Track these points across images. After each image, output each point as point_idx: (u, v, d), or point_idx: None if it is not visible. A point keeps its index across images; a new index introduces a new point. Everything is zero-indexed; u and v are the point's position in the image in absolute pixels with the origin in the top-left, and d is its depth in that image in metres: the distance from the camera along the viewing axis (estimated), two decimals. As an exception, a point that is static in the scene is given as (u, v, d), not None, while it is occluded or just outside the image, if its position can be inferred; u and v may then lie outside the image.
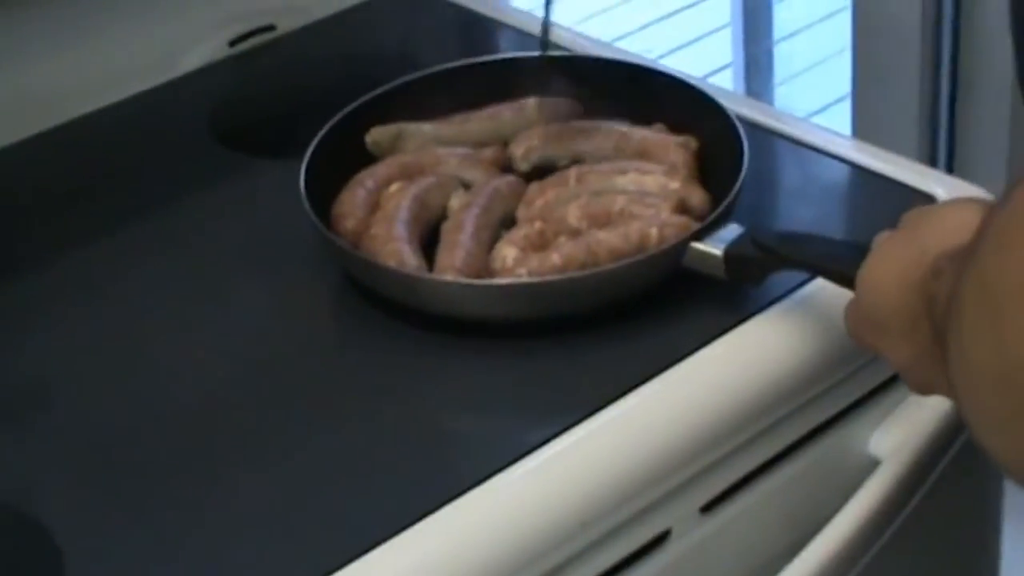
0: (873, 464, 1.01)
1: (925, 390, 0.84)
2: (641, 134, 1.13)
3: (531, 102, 1.18)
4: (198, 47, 1.41)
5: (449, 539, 0.88)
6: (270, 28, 1.44)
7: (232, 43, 1.42)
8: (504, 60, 1.26)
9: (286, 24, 1.45)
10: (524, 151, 1.14)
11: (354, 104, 1.17)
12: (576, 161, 1.13)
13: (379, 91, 1.18)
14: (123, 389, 1.02)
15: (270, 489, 0.92)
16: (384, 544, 0.86)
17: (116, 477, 0.95)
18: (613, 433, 0.94)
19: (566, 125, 1.15)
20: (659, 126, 1.14)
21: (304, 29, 1.45)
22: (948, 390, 0.77)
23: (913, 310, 0.79)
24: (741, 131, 1.09)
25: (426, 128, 1.16)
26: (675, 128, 1.14)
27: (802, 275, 1.00)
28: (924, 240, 0.81)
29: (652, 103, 1.16)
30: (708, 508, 0.97)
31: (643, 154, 1.11)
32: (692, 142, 1.11)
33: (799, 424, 1.01)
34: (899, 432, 1.02)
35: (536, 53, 1.21)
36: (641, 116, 1.15)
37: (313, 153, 1.11)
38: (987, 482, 1.15)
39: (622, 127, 1.14)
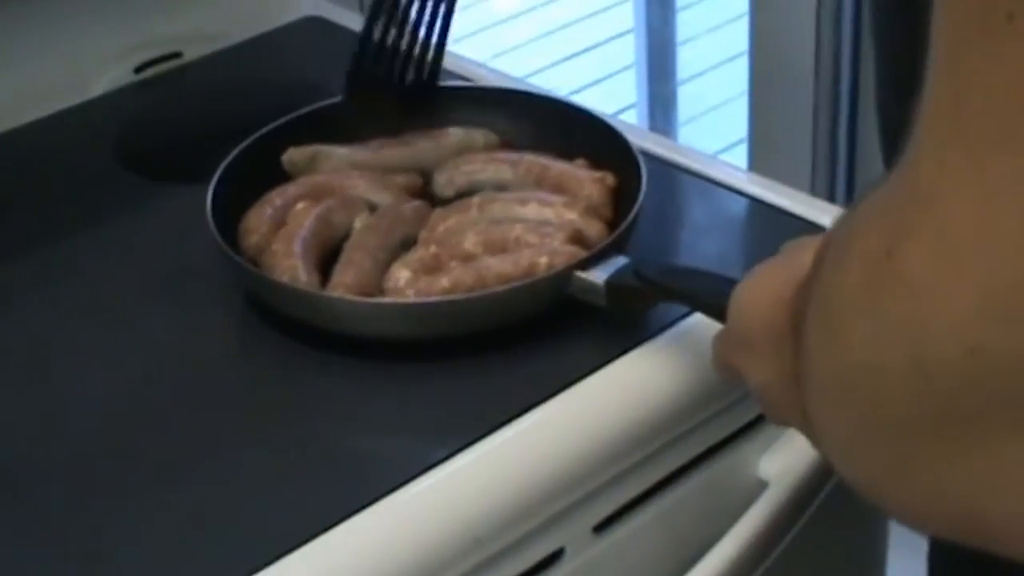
0: (762, 487, 1.04)
1: (779, 418, 0.85)
2: (561, 167, 1.15)
3: (450, 132, 1.20)
4: (104, 72, 1.41)
5: (345, 556, 0.89)
6: (177, 55, 1.45)
7: (138, 69, 1.43)
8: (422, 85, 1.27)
9: (193, 51, 1.45)
10: (447, 178, 1.15)
11: (267, 128, 1.18)
12: (500, 189, 1.15)
13: (293, 115, 1.20)
14: (24, 411, 1.02)
15: (170, 507, 0.93)
16: (276, 564, 0.87)
17: (19, 497, 0.95)
18: (507, 454, 0.95)
19: (491, 154, 1.17)
20: (580, 161, 1.16)
21: (211, 56, 1.45)
22: (800, 421, 0.80)
23: (781, 328, 0.79)
24: (642, 165, 1.11)
25: (342, 152, 1.18)
26: (590, 161, 1.16)
27: (685, 308, 1.02)
28: (799, 261, 0.80)
29: (562, 136, 1.18)
30: (600, 528, 0.99)
31: (560, 187, 1.13)
32: (610, 178, 1.13)
33: (688, 447, 1.03)
34: (787, 455, 1.05)
35: (451, 83, 1.23)
36: (554, 149, 1.18)
37: (223, 173, 1.12)
38: (871, 509, 1.17)
39: (544, 160, 1.16)
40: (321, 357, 1.03)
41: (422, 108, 1.22)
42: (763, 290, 0.84)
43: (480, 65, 1.42)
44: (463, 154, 1.18)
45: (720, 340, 0.90)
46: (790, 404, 0.79)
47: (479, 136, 1.20)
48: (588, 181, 1.13)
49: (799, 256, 0.82)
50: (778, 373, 0.80)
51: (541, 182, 1.14)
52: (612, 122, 1.19)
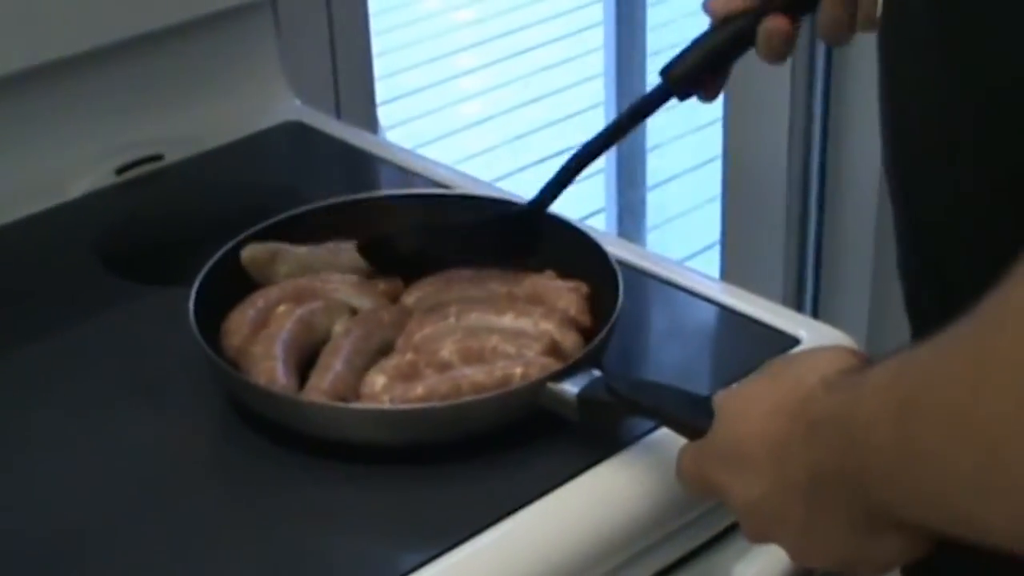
0: (737, 596, 1.05)
1: (763, 535, 0.85)
2: (532, 280, 1.16)
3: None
4: (85, 173, 1.43)
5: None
6: (158, 157, 1.46)
7: (120, 171, 1.44)
8: (390, 196, 1.30)
9: (174, 154, 1.47)
10: (416, 299, 1.16)
11: (252, 229, 1.19)
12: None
13: (274, 219, 1.22)
14: (5, 512, 1.02)
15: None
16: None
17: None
18: (476, 564, 0.96)
19: (457, 273, 1.18)
20: (549, 273, 1.17)
21: (192, 159, 1.47)
22: (797, 530, 0.81)
23: (784, 437, 0.80)
24: (619, 277, 1.13)
25: (300, 251, 1.19)
26: (560, 271, 1.18)
27: (653, 423, 1.03)
28: (796, 374, 0.83)
29: (534, 243, 1.20)
30: (574, 639, 0.99)
31: (535, 299, 1.14)
32: (583, 287, 1.15)
33: (659, 557, 1.04)
34: (761, 564, 1.05)
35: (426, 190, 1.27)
36: (523, 255, 1.19)
37: (207, 274, 1.13)
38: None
39: (513, 277, 1.17)
40: (297, 459, 1.04)
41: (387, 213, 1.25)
42: (757, 403, 0.84)
43: (450, 169, 1.44)
44: (426, 276, 1.18)
45: (694, 456, 0.91)
46: (784, 516, 0.81)
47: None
48: (564, 291, 1.14)
49: (795, 370, 0.84)
50: (775, 485, 0.81)
51: (512, 298, 1.15)
52: (589, 231, 1.21)
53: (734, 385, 0.93)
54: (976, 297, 0.65)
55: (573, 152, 1.16)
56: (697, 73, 1.12)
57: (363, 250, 1.18)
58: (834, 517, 0.78)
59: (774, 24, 1.10)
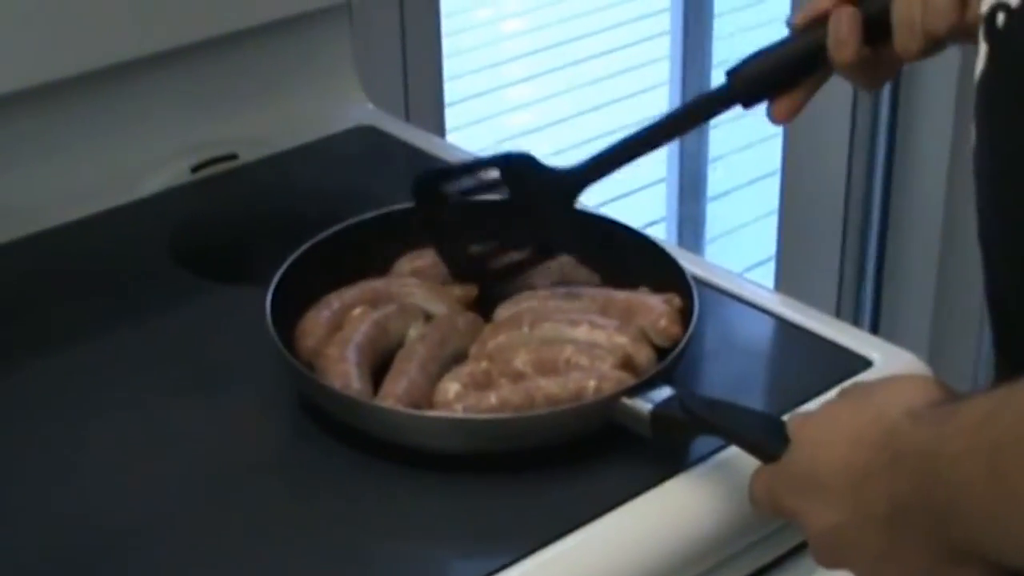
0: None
1: (837, 563, 0.85)
2: (626, 295, 1.16)
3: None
4: (161, 171, 1.44)
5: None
6: (232, 157, 1.48)
7: (194, 169, 1.46)
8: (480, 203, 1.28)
9: (248, 154, 1.49)
10: (510, 314, 1.15)
11: (327, 232, 1.20)
12: None
13: (355, 220, 1.23)
14: (70, 507, 1.04)
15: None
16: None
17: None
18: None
19: (553, 291, 1.17)
20: (644, 289, 1.17)
21: (265, 159, 1.49)
22: (871, 561, 0.81)
23: (865, 466, 0.80)
24: (695, 292, 1.13)
25: None
26: (634, 283, 1.18)
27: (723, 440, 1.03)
28: (879, 403, 0.83)
29: (614, 258, 1.20)
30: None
31: (629, 312, 1.14)
32: (675, 299, 1.14)
33: (728, 574, 1.04)
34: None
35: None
36: (605, 270, 1.20)
37: (284, 273, 1.14)
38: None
39: (606, 292, 1.17)
40: (367, 463, 1.05)
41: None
42: (837, 431, 0.84)
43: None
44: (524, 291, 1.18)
45: (768, 480, 0.91)
46: (861, 545, 0.81)
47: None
48: (658, 304, 1.14)
49: (876, 400, 0.84)
50: (854, 514, 0.81)
51: (607, 310, 1.15)
52: (666, 247, 1.21)
53: (810, 407, 0.93)
54: None
55: (622, 137, 1.13)
56: (764, 78, 1.09)
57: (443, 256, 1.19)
58: (913, 548, 0.78)
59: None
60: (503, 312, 1.16)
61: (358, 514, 1.02)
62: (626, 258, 1.21)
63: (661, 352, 1.10)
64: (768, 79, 1.09)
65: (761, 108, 1.11)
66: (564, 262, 1.21)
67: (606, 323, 1.12)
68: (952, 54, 1.50)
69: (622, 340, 1.10)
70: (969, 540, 0.74)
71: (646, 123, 1.13)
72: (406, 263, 1.21)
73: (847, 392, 0.89)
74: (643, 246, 1.21)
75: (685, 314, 1.13)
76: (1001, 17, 0.83)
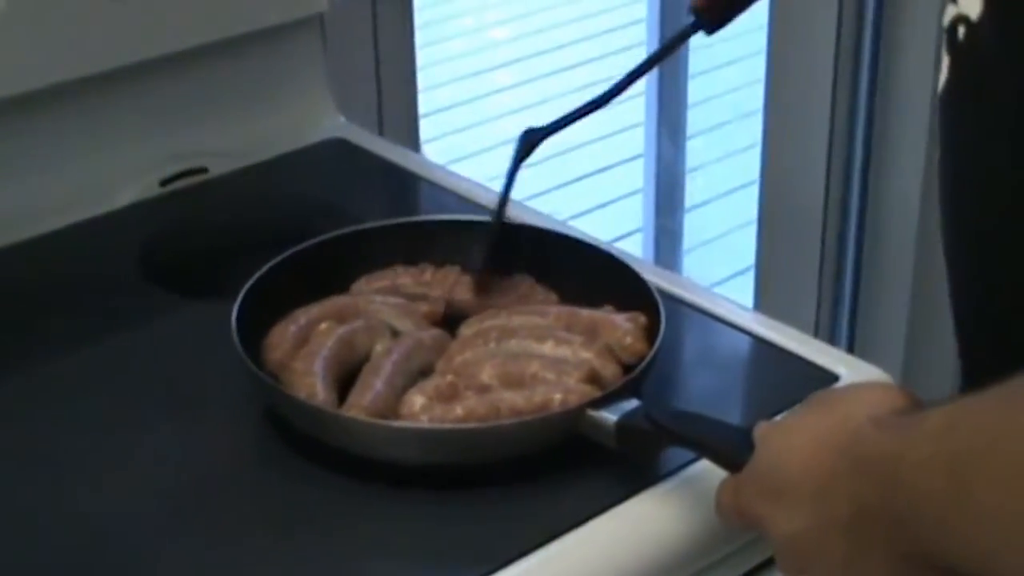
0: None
1: (800, 570, 0.85)
2: (590, 314, 1.16)
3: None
4: (131, 184, 1.44)
5: None
6: (202, 170, 1.47)
7: (164, 182, 1.46)
8: (448, 221, 1.30)
9: (218, 167, 1.48)
10: (474, 331, 1.16)
11: (296, 248, 1.20)
12: None
13: (321, 238, 1.23)
14: (38, 523, 1.03)
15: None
16: None
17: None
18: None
19: (517, 309, 1.18)
20: (608, 307, 1.17)
21: (236, 173, 1.48)
22: (836, 566, 0.81)
23: (829, 471, 0.80)
24: (661, 309, 1.13)
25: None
26: (600, 300, 1.18)
27: (691, 454, 1.03)
28: (844, 410, 0.83)
29: (579, 275, 1.20)
30: (606, 667, 0.99)
31: (594, 330, 1.14)
32: (640, 317, 1.15)
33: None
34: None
35: (478, 217, 1.28)
36: (570, 287, 1.20)
37: (250, 288, 1.14)
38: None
39: (572, 309, 1.18)
40: (333, 478, 1.05)
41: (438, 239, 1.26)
42: (802, 436, 0.84)
43: (491, 191, 1.44)
44: (487, 310, 1.18)
45: (734, 488, 0.90)
46: (824, 551, 0.81)
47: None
48: (622, 322, 1.14)
49: (843, 405, 0.84)
50: (818, 519, 0.81)
51: (571, 328, 1.15)
52: (628, 260, 1.21)
53: (776, 418, 0.93)
54: None
55: (597, 95, 1.20)
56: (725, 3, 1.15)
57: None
58: (874, 555, 0.78)
59: None
60: (467, 330, 1.16)
61: (324, 529, 1.02)
62: (590, 276, 1.21)
63: (628, 368, 1.10)
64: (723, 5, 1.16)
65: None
66: (523, 282, 1.21)
67: (572, 338, 1.12)
68: (929, 66, 1.52)
69: (587, 355, 1.10)
70: (928, 547, 0.74)
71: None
72: (364, 284, 1.21)
73: (813, 399, 0.89)
74: (606, 262, 1.22)
75: (651, 332, 1.13)
76: (962, 30, 0.83)
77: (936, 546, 0.74)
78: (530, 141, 1.19)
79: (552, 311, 1.17)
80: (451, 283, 1.21)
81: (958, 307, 0.90)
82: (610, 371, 1.09)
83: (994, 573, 0.70)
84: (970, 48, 0.83)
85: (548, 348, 1.11)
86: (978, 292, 0.87)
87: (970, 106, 0.84)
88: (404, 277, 1.22)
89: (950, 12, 0.84)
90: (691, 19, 1.18)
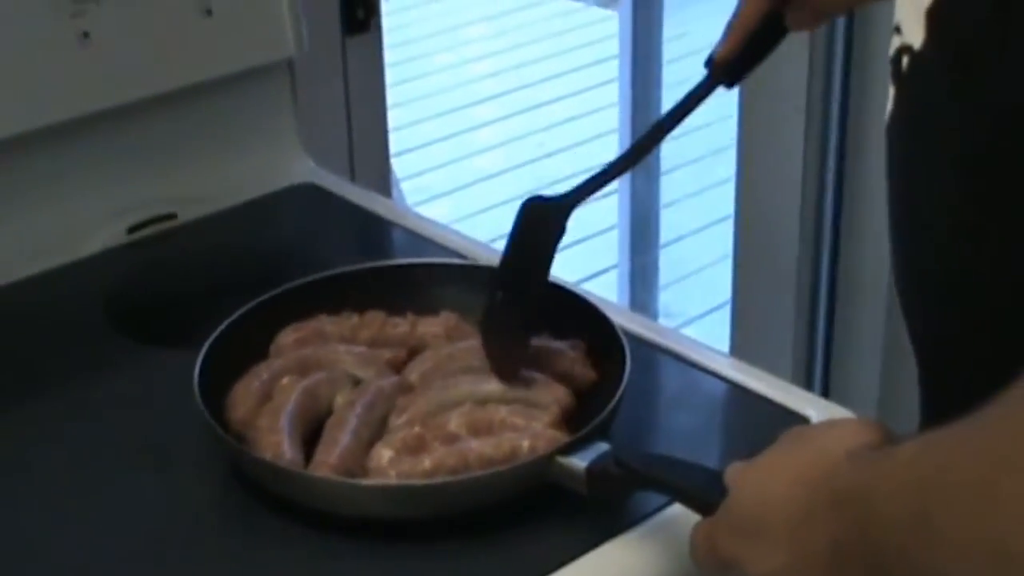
0: None
1: None
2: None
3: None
4: (97, 232, 1.43)
5: None
6: (171, 216, 1.47)
7: (131, 229, 1.45)
8: (406, 265, 1.29)
9: (187, 213, 1.48)
10: (419, 375, 1.15)
11: (255, 301, 1.20)
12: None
13: (281, 289, 1.22)
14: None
15: None
16: None
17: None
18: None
19: (455, 348, 1.17)
20: (545, 335, 1.17)
21: (205, 219, 1.48)
22: None
23: (805, 507, 0.79)
24: (626, 349, 1.13)
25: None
26: (560, 335, 1.18)
27: (665, 498, 1.02)
28: (819, 446, 0.82)
29: (545, 316, 1.18)
30: None
31: (539, 362, 1.14)
32: (580, 344, 1.16)
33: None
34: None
35: (440, 260, 1.28)
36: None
37: (210, 346, 1.13)
38: None
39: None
40: (302, 533, 1.03)
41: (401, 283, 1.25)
42: (776, 474, 0.83)
43: (462, 236, 1.44)
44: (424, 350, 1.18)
45: (707, 531, 0.89)
46: None
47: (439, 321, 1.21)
48: (566, 349, 1.15)
49: (818, 441, 0.83)
50: (795, 556, 0.80)
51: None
52: (595, 301, 1.21)
53: (748, 460, 0.92)
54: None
55: (619, 155, 1.16)
56: (739, 58, 1.12)
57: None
58: None
59: None
60: (411, 374, 1.15)
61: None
62: (554, 314, 1.19)
63: (595, 407, 1.09)
64: (741, 58, 1.13)
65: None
66: (448, 318, 1.20)
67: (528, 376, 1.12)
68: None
69: (550, 396, 1.10)
70: None
71: (640, 135, 1.16)
72: (289, 334, 1.19)
73: (786, 437, 0.88)
74: (568, 300, 1.21)
75: (598, 364, 1.14)
76: (906, 60, 0.83)
77: None
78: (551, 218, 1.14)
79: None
80: (376, 328, 1.20)
81: (914, 337, 0.90)
82: (566, 400, 1.10)
83: None
84: (914, 78, 0.83)
85: (495, 387, 1.11)
86: (934, 325, 0.87)
87: (915, 136, 0.84)
88: (328, 325, 1.20)
89: (895, 42, 0.84)
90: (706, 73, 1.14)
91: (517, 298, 1.13)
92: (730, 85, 1.13)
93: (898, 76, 0.84)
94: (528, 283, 1.13)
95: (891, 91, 0.85)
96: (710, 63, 1.12)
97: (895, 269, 0.89)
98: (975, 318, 0.83)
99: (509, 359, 1.13)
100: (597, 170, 1.14)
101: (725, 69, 1.12)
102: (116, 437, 1.16)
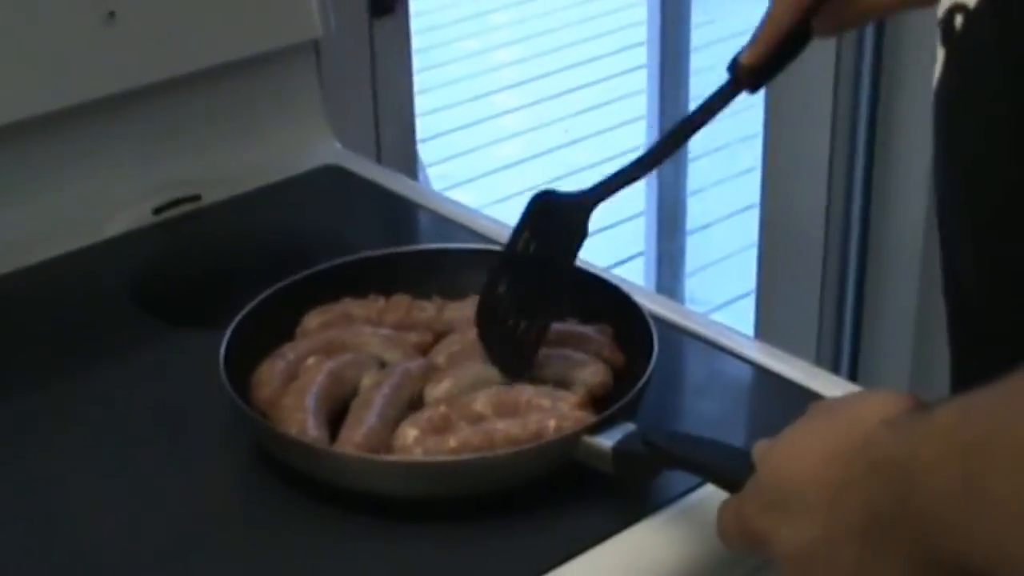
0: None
1: None
2: (558, 328, 1.15)
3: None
4: (122, 213, 1.43)
5: None
6: (195, 198, 1.46)
7: (157, 211, 1.44)
8: (433, 250, 1.29)
9: (212, 195, 1.47)
10: (446, 359, 1.14)
11: (283, 283, 1.19)
12: None
13: (309, 271, 1.21)
14: (25, 557, 1.02)
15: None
16: None
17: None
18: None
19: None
20: (572, 321, 1.17)
21: (230, 200, 1.47)
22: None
23: (840, 480, 0.77)
24: (654, 333, 1.12)
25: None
26: (587, 320, 1.17)
27: (692, 480, 1.01)
28: (851, 416, 0.80)
29: (575, 301, 1.18)
30: None
31: (562, 344, 1.14)
32: (607, 328, 1.15)
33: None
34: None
35: (468, 245, 1.28)
36: (567, 315, 1.18)
37: (237, 325, 1.13)
38: None
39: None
40: (326, 511, 1.03)
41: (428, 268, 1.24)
42: (808, 447, 0.81)
43: (489, 218, 1.44)
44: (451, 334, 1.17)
45: (736, 507, 0.87)
46: (834, 562, 0.78)
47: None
48: (593, 334, 1.15)
49: (849, 412, 0.81)
50: (828, 529, 0.78)
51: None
52: (622, 285, 1.20)
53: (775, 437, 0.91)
54: None
55: (638, 156, 1.13)
56: (764, 64, 1.10)
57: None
58: (889, 563, 0.75)
59: None
60: (438, 357, 1.14)
61: (315, 563, 1.00)
62: (580, 299, 1.18)
63: (622, 391, 1.09)
64: (767, 63, 1.11)
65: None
66: (475, 303, 1.17)
67: (558, 353, 1.11)
68: (928, 92, 1.46)
69: (581, 375, 1.10)
70: (947, 550, 0.71)
71: (660, 136, 1.16)
72: (316, 317, 1.18)
73: (814, 410, 0.85)
74: (596, 285, 1.20)
75: (625, 348, 1.13)
76: (959, 20, 0.80)
77: (955, 548, 0.71)
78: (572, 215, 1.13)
79: None
80: (403, 311, 1.19)
81: (956, 305, 0.88)
82: (601, 378, 1.10)
83: (1009, 569, 0.67)
84: (967, 38, 0.80)
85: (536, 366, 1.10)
86: (985, 288, 0.85)
87: (966, 101, 0.81)
88: (355, 308, 1.19)
89: (945, 2, 0.82)
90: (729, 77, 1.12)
91: (525, 292, 1.11)
92: (753, 90, 1.12)
93: (949, 38, 0.81)
94: (541, 279, 1.12)
95: (940, 54, 0.82)
96: (734, 67, 1.10)
97: (943, 238, 0.87)
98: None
99: (511, 351, 1.12)
100: (616, 170, 1.12)
101: (750, 74, 1.10)
102: (141, 416, 1.16)
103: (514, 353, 1.12)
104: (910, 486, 0.72)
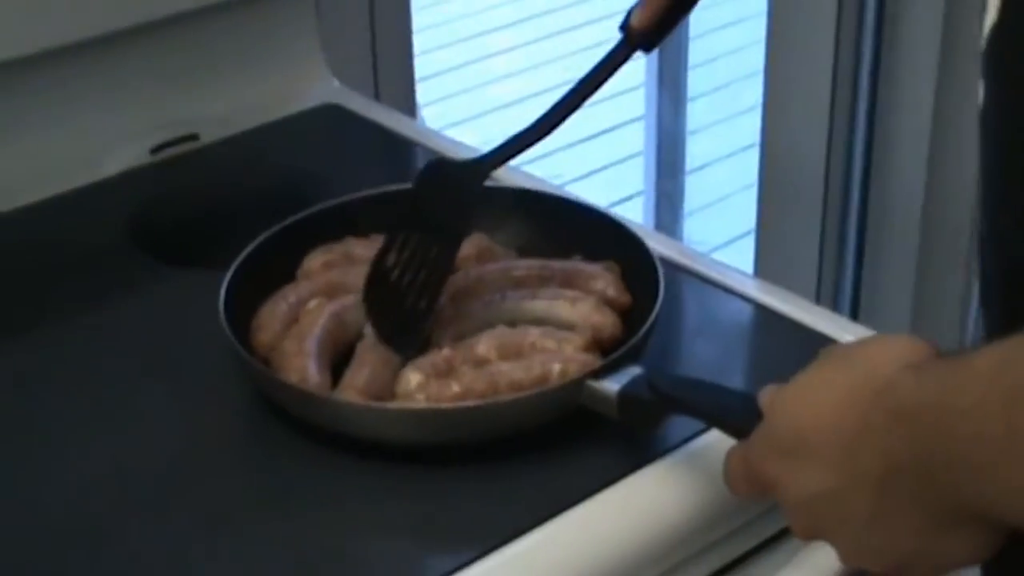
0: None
1: (818, 532, 0.81)
2: (562, 265, 1.14)
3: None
4: (119, 152, 1.41)
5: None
6: (193, 137, 1.45)
7: (154, 150, 1.43)
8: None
9: (210, 134, 1.46)
10: (448, 298, 1.12)
11: (282, 224, 1.17)
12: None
13: (309, 211, 1.20)
14: (23, 497, 1.01)
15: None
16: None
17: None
18: (515, 570, 0.94)
19: (485, 269, 1.15)
20: (576, 258, 1.16)
21: (228, 139, 1.46)
22: (863, 523, 0.78)
23: (859, 426, 0.76)
24: (660, 273, 1.11)
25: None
26: (592, 258, 1.16)
27: (698, 425, 1.00)
28: (866, 362, 0.79)
29: (579, 240, 1.18)
30: (612, 645, 0.97)
31: (568, 283, 1.13)
32: (614, 266, 1.14)
33: (703, 565, 1.02)
34: (807, 572, 1.02)
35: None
36: (568, 254, 1.17)
37: (237, 268, 1.12)
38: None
39: (541, 262, 1.15)
40: (328, 457, 1.02)
41: None
42: (823, 393, 0.80)
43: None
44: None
45: (743, 454, 0.86)
46: (848, 511, 0.77)
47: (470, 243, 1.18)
48: (599, 272, 1.13)
49: (864, 360, 0.79)
50: (842, 478, 0.77)
51: (546, 282, 1.13)
52: (628, 224, 1.19)
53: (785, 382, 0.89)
54: None
55: (535, 120, 1.13)
56: (656, 23, 1.10)
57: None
58: (905, 511, 0.75)
59: None
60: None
61: (318, 508, 1.00)
62: (585, 238, 1.18)
63: (628, 331, 1.08)
64: (658, 24, 1.11)
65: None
66: (479, 240, 1.17)
67: (564, 293, 1.10)
68: (936, 24, 1.46)
69: (584, 309, 1.08)
70: (978, 496, 0.70)
71: (553, 102, 1.13)
72: (317, 257, 1.16)
73: (827, 355, 0.83)
74: (600, 224, 1.19)
75: (629, 287, 1.12)
76: None
77: (983, 496, 0.70)
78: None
79: (523, 265, 1.15)
80: None
81: (999, 261, 0.84)
82: (610, 322, 1.08)
83: None
84: None
85: (541, 306, 1.09)
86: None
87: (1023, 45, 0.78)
88: (357, 248, 1.17)
89: None
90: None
91: (418, 263, 1.09)
92: (648, 50, 1.12)
93: None
94: (433, 249, 1.10)
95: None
96: (625, 28, 1.10)
97: (986, 189, 0.84)
98: None
99: (398, 325, 1.08)
100: (510, 136, 1.12)
101: (642, 35, 1.10)
102: (140, 358, 1.15)
103: (400, 328, 1.08)
104: (942, 431, 0.71)
